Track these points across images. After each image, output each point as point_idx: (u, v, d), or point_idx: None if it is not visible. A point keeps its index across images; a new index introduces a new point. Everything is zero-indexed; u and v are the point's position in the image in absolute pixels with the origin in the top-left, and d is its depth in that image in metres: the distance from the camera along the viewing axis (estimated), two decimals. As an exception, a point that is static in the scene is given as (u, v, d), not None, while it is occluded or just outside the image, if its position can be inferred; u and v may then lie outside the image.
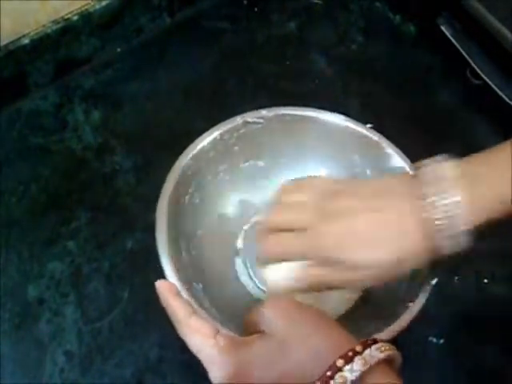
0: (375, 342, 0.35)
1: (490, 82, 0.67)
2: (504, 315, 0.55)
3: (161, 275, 0.47)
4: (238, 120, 0.56)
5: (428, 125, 0.68)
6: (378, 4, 0.79)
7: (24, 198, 0.62)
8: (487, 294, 0.57)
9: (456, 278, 0.57)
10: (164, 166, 0.53)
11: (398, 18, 0.78)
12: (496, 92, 0.66)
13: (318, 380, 0.33)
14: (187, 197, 0.54)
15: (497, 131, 0.66)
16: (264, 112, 0.56)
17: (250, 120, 0.56)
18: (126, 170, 0.64)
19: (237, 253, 0.56)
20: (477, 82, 0.69)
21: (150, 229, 0.50)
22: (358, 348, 0.34)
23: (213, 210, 0.57)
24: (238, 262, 0.56)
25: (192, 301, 0.45)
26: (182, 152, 0.54)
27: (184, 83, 0.71)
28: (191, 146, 0.55)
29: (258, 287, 0.54)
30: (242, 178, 0.58)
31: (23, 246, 0.59)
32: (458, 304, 0.56)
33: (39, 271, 0.58)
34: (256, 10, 0.78)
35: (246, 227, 0.57)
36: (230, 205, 0.58)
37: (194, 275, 0.50)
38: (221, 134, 0.55)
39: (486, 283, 0.58)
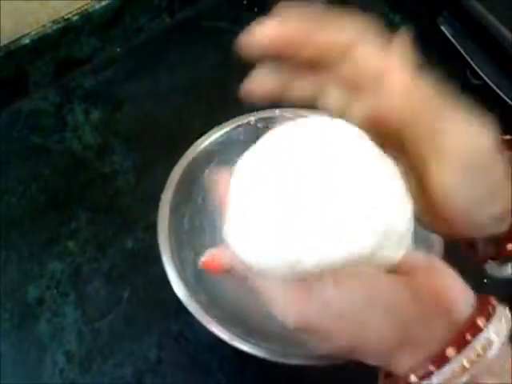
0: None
1: (489, 82, 0.67)
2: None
3: (162, 274, 0.47)
4: (277, 112, 0.55)
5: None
6: (378, 4, 0.79)
7: (24, 198, 0.62)
8: (487, 294, 0.57)
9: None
10: (164, 166, 0.53)
11: (397, 18, 0.77)
12: (496, 92, 0.66)
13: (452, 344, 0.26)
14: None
15: (497, 131, 0.66)
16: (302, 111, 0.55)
17: (287, 115, 0.54)
18: (126, 170, 0.64)
19: None
20: (477, 81, 0.69)
21: (150, 229, 0.50)
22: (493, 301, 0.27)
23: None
24: None
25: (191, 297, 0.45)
26: (181, 152, 0.54)
27: (184, 83, 0.71)
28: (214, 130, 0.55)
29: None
30: None
31: (23, 246, 0.59)
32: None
33: (39, 271, 0.58)
34: (256, 10, 0.78)
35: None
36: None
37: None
38: (256, 120, 0.55)
39: (485, 283, 0.57)
